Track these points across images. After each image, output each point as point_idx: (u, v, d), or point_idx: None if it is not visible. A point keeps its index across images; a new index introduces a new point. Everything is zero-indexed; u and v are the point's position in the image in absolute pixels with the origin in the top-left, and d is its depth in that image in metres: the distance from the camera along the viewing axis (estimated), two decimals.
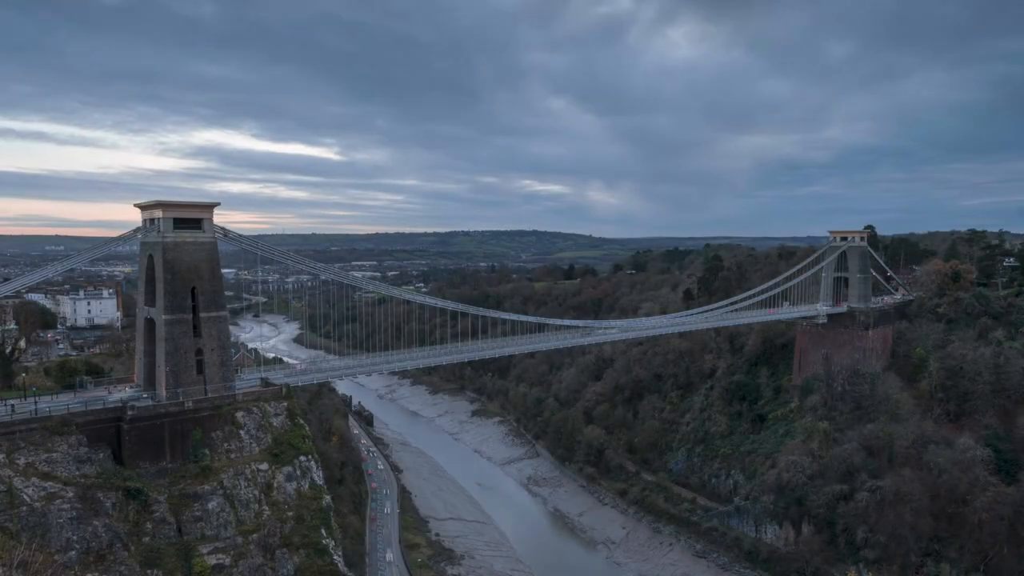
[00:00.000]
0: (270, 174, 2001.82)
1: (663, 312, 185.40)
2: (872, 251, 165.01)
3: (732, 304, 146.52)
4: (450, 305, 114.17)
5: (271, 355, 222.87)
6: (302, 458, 79.96)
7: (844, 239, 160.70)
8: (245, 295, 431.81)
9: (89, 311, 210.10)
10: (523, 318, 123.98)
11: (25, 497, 59.99)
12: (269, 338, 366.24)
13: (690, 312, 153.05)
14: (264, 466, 75.89)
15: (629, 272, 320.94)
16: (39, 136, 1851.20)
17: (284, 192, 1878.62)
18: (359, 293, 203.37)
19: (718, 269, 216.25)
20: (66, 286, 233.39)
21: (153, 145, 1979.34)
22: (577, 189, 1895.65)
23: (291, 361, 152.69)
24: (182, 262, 75.75)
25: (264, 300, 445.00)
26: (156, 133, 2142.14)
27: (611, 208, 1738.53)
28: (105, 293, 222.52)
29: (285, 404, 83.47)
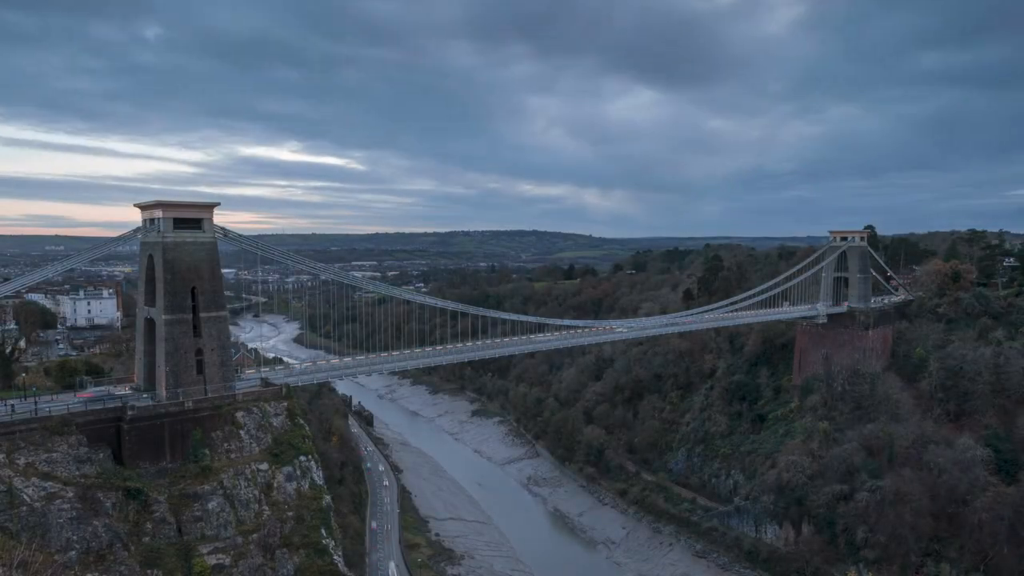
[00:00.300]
0: (295, 180, 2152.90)
1: (663, 312, 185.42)
2: (872, 251, 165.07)
3: (732, 304, 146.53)
4: (450, 305, 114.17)
5: (271, 355, 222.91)
6: (302, 458, 79.94)
7: (844, 239, 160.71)
8: (245, 295, 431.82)
9: (89, 311, 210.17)
10: (523, 318, 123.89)
11: (25, 497, 59.98)
12: (269, 338, 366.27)
13: (690, 312, 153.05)
14: (264, 466, 75.86)
15: (629, 272, 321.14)
16: (101, 151, 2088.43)
17: (301, 196, 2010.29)
18: (359, 293, 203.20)
19: (718, 269, 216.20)
20: (66, 286, 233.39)
21: (201, 158, 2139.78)
22: (575, 193, 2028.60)
23: (291, 361, 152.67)
24: (182, 262, 75.73)
25: (264, 300, 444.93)
26: (209, 150, 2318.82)
27: (607, 211, 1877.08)
28: (105, 293, 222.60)
29: (285, 404, 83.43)
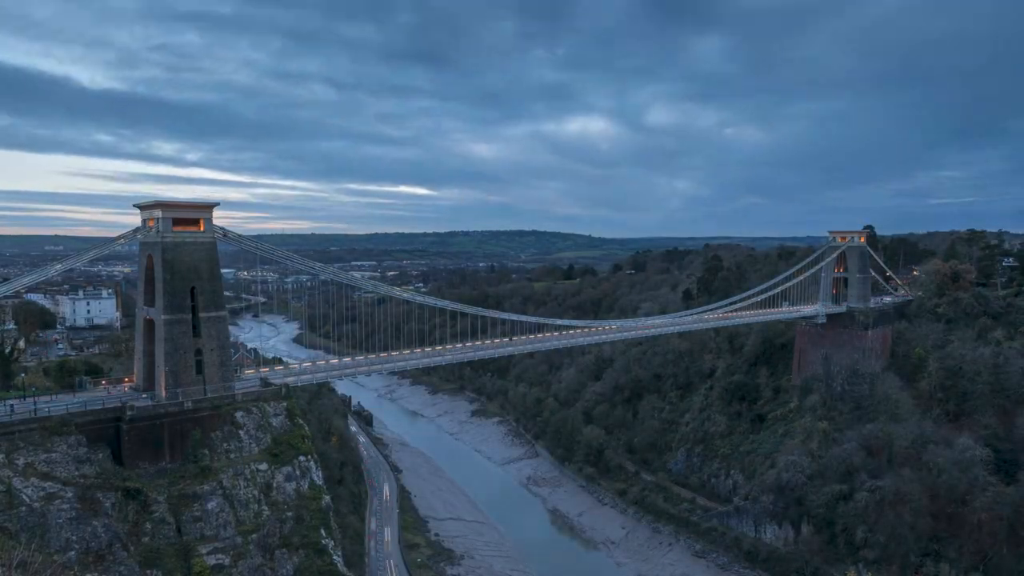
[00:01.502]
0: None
1: (663, 312, 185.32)
2: (871, 251, 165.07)
3: (731, 304, 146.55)
4: (449, 305, 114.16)
5: (271, 355, 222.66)
6: (301, 458, 79.93)
7: (843, 239, 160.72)
8: (244, 295, 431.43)
9: (88, 311, 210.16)
10: (523, 318, 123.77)
11: (24, 497, 59.97)
12: (269, 338, 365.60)
13: (689, 312, 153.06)
14: (263, 466, 75.86)
15: (629, 272, 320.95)
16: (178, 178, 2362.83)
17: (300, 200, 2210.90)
18: (358, 293, 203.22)
19: (717, 269, 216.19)
20: (65, 286, 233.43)
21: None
22: (566, 207, 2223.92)
23: (291, 361, 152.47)
24: (181, 262, 75.72)
25: (264, 300, 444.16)
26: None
27: (601, 215, 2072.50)
28: (104, 293, 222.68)
29: (285, 404, 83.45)
